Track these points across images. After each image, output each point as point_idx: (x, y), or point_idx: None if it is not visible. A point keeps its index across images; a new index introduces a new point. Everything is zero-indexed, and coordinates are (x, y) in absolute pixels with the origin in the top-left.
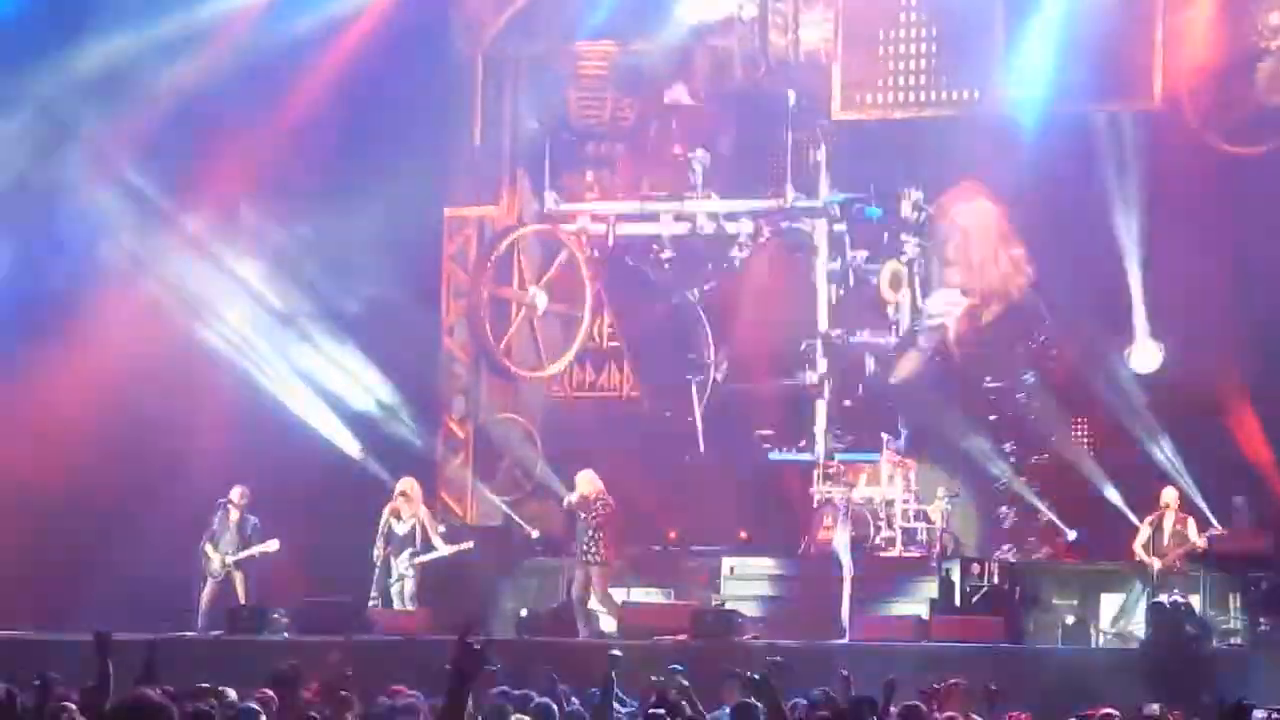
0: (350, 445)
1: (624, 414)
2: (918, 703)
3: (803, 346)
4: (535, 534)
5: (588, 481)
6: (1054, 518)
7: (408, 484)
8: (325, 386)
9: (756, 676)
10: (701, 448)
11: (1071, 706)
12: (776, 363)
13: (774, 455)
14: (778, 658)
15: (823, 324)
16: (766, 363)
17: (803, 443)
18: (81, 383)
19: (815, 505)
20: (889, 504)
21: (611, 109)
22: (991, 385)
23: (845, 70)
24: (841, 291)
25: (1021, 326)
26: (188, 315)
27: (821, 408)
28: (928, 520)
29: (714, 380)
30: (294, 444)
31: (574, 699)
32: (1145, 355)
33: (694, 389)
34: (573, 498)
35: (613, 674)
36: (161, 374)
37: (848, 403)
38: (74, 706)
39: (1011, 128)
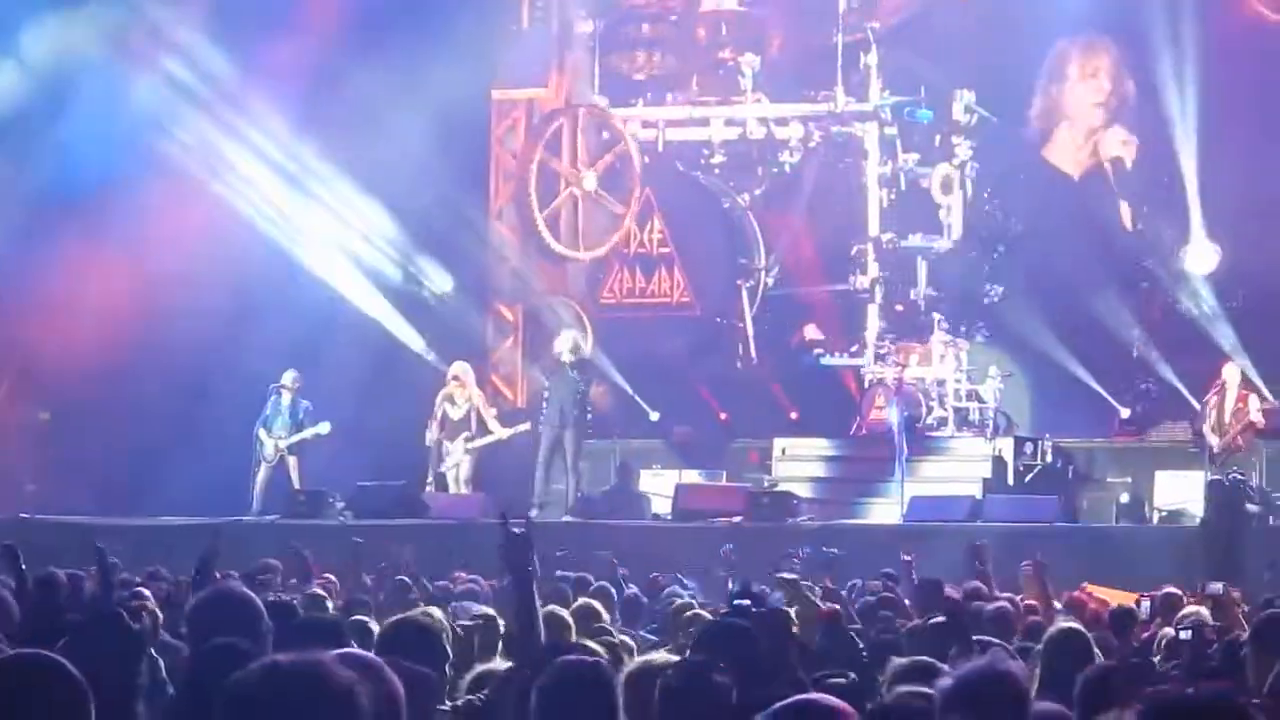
0: (402, 329)
1: (676, 319)
2: (978, 584)
3: (853, 251)
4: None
5: (572, 340)
6: (1107, 395)
7: (460, 368)
8: (374, 270)
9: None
10: (753, 353)
11: (1128, 585)
12: (828, 267)
13: (825, 360)
14: (834, 550)
15: (873, 229)
16: (817, 267)
17: (854, 347)
18: (133, 271)
19: (867, 385)
20: (941, 383)
21: None
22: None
23: None
24: (893, 195)
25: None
26: (237, 203)
27: (873, 312)
28: (980, 399)
29: (765, 285)
30: (345, 329)
31: (631, 583)
32: (1201, 257)
33: (744, 294)
34: (564, 358)
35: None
36: (213, 261)
37: (899, 307)
38: (147, 593)
39: None
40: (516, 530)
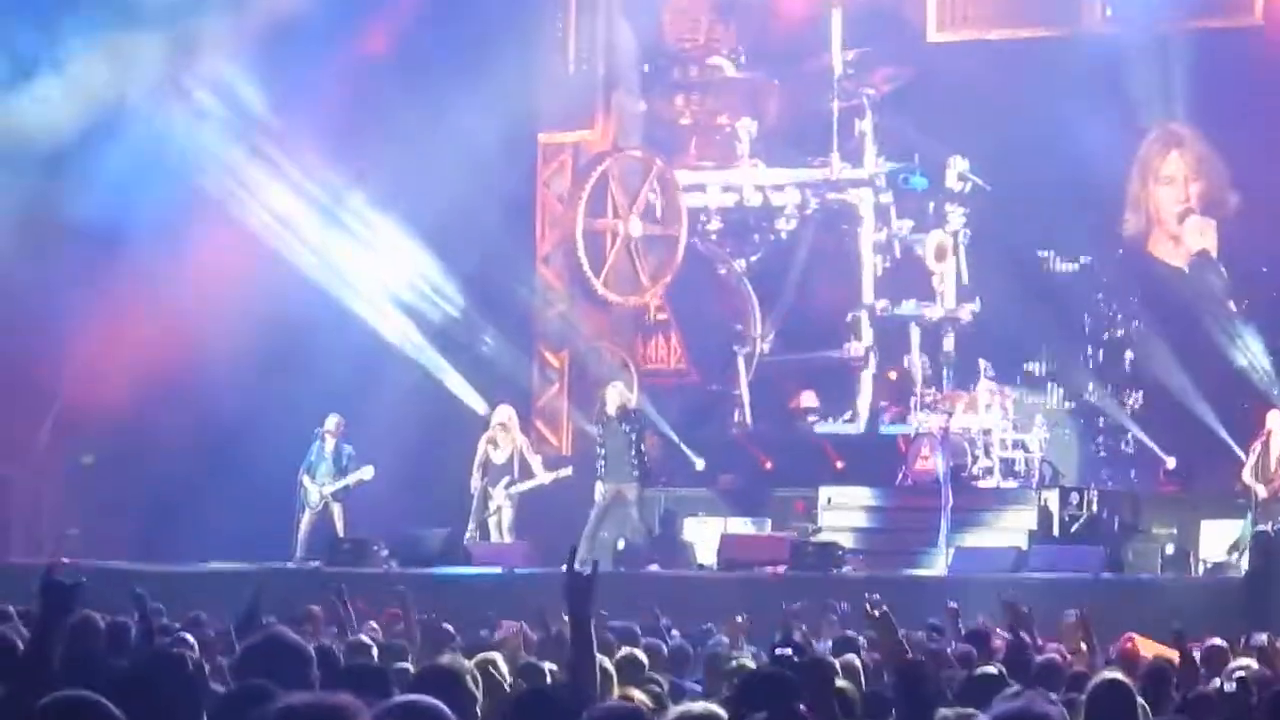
0: (447, 374)
1: (672, 386)
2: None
3: (848, 318)
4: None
5: (619, 393)
6: (1152, 445)
7: (505, 413)
8: (419, 313)
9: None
10: (749, 420)
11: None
12: (823, 334)
13: (820, 428)
14: (876, 596)
15: (867, 296)
16: (813, 334)
17: (848, 415)
18: (176, 313)
19: (912, 435)
20: (986, 433)
21: (707, 31)
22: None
23: None
24: (887, 263)
25: None
26: (280, 245)
27: (867, 379)
28: (1025, 449)
29: (760, 351)
30: (389, 373)
31: (674, 631)
32: None
33: (740, 361)
34: (610, 411)
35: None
36: (256, 304)
37: (892, 375)
38: (191, 639)
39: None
40: (582, 572)
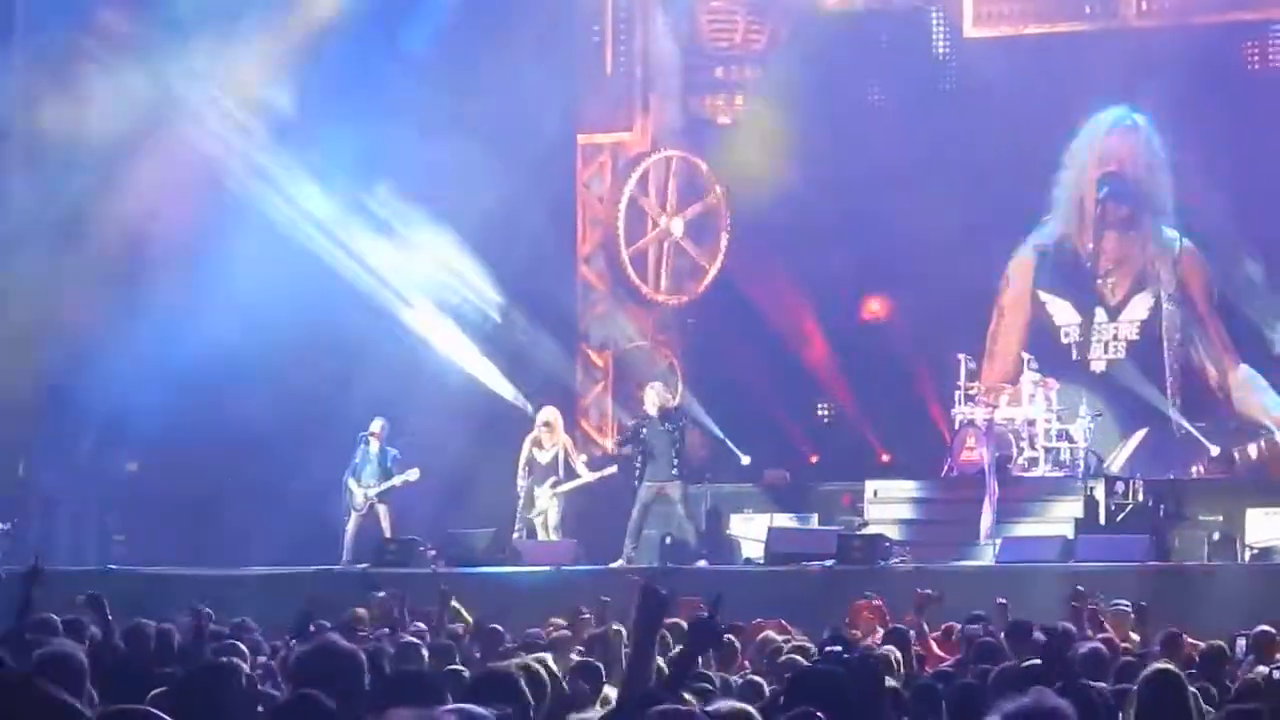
0: (492, 375)
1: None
2: (1069, 624)
3: None
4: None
5: (657, 394)
6: (1196, 433)
7: (550, 413)
8: (463, 315)
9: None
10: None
11: (1223, 624)
12: None
13: None
14: (929, 591)
15: None
16: None
17: None
18: (218, 319)
19: (957, 427)
20: (1031, 424)
21: (744, 31)
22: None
23: None
24: None
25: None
26: (324, 252)
27: None
28: (1070, 440)
29: None
30: (434, 375)
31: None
32: None
33: None
34: (652, 411)
35: None
36: (299, 310)
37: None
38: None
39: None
40: (660, 592)
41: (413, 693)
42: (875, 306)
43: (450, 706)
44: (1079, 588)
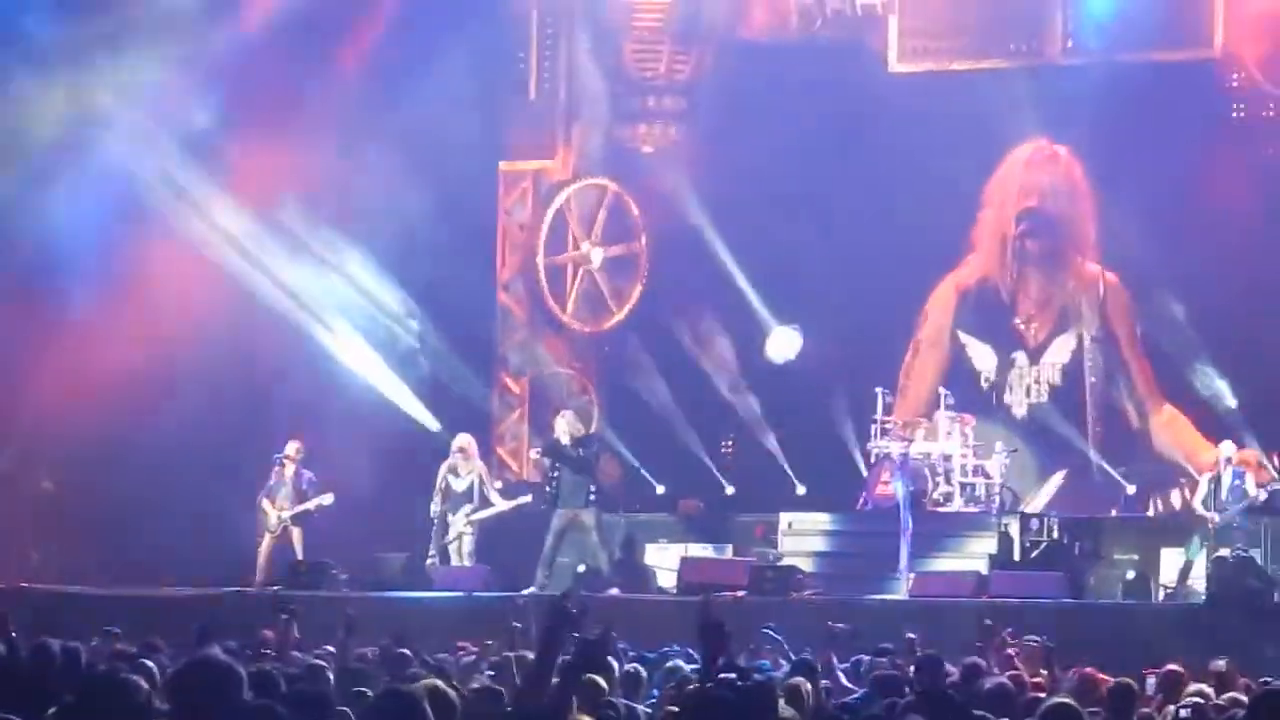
0: (407, 401)
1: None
2: (977, 659)
3: None
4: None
5: (568, 423)
6: (1113, 472)
7: (465, 440)
8: (380, 340)
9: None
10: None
11: (1134, 662)
12: None
13: None
14: (840, 625)
15: None
16: None
17: None
18: (133, 336)
19: (873, 460)
20: (947, 459)
21: (668, 61)
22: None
23: (903, 21)
24: None
25: None
26: (242, 272)
27: None
28: (986, 475)
29: None
30: (350, 399)
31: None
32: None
33: None
34: (564, 439)
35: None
36: (218, 331)
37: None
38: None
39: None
40: (571, 608)
41: (299, 708)
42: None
43: None
44: (987, 622)
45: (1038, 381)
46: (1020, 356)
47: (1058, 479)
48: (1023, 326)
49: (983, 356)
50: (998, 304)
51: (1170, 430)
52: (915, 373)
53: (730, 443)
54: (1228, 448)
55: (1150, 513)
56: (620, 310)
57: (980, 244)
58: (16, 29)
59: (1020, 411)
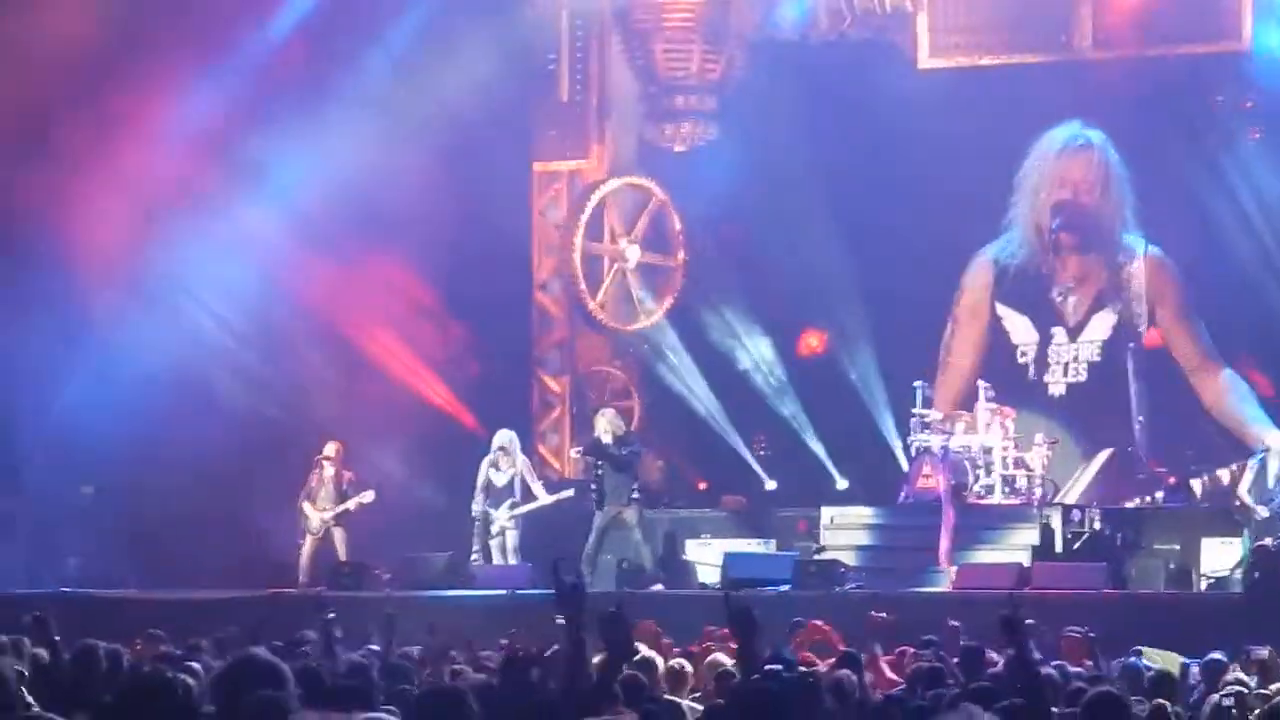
0: (448, 401)
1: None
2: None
3: None
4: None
5: (608, 421)
6: (1155, 463)
7: (506, 437)
8: (421, 340)
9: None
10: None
11: (1176, 651)
12: None
13: None
14: (883, 614)
15: None
16: None
17: None
18: (177, 343)
19: (914, 454)
20: (987, 451)
21: (699, 61)
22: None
23: (932, 17)
24: None
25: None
26: (278, 271)
27: None
28: (1027, 467)
29: None
30: (391, 399)
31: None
32: None
33: None
34: (606, 438)
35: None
36: (258, 332)
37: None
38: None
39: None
40: (570, 580)
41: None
42: (814, 342)
43: (364, 716)
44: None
45: (1076, 360)
46: (1059, 333)
47: (1103, 457)
48: (1061, 302)
49: (1020, 329)
50: (1036, 277)
51: (1229, 397)
52: (955, 350)
53: (762, 439)
54: (1272, 436)
55: (1197, 489)
56: (649, 319)
57: (1013, 228)
58: None
59: (1058, 390)
